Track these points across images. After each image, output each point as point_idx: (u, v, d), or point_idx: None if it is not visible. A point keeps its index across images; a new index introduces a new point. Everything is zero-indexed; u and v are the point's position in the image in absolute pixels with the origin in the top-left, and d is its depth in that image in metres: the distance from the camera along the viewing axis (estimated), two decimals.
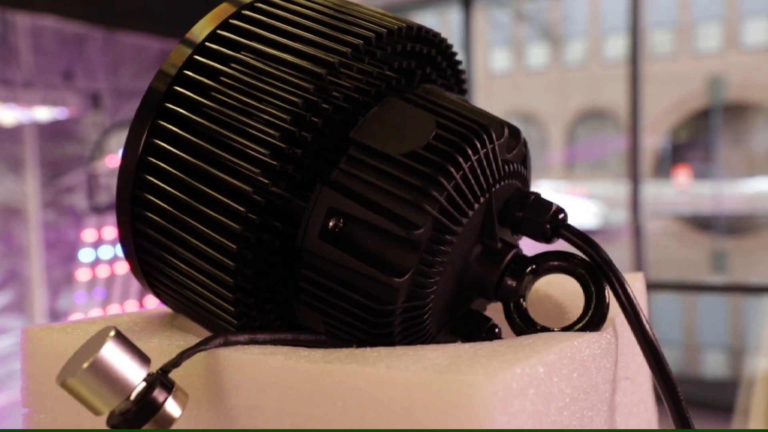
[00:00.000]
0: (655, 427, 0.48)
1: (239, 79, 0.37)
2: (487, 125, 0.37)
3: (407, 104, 0.38)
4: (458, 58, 0.44)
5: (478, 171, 0.36)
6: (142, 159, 0.38)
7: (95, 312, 2.95)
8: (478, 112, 0.39)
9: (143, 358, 0.30)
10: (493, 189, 0.37)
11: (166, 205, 0.37)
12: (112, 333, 0.29)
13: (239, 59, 0.38)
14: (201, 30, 0.39)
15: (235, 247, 0.35)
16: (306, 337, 0.36)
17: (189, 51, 0.38)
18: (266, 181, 0.35)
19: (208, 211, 0.36)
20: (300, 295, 0.37)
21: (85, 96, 3.08)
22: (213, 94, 0.37)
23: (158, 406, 0.29)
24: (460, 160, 0.35)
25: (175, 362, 0.31)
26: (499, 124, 0.38)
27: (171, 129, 0.37)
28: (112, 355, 0.29)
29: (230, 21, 0.39)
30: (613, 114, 14.24)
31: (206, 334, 0.42)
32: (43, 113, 2.93)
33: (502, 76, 14.97)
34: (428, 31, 0.41)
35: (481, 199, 0.37)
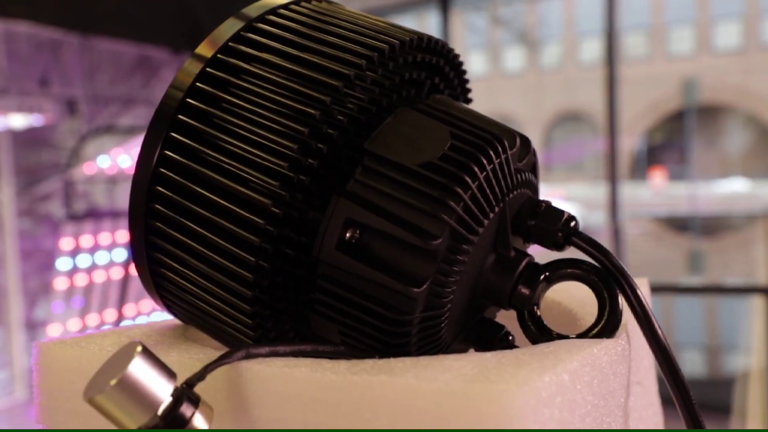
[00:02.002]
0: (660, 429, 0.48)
1: (254, 92, 0.37)
2: (500, 135, 0.37)
3: (421, 115, 0.38)
4: (464, 67, 0.45)
5: (493, 181, 0.37)
6: (156, 171, 0.38)
7: (73, 322, 2.92)
8: (489, 121, 0.39)
9: (169, 373, 0.30)
10: (507, 198, 0.38)
11: (180, 218, 0.37)
12: (139, 348, 0.29)
13: (253, 72, 0.38)
14: (213, 42, 0.39)
15: (253, 259, 0.35)
16: (325, 349, 0.36)
17: (202, 63, 0.38)
18: (284, 194, 0.35)
19: (224, 223, 0.36)
20: (316, 305, 0.37)
21: (61, 102, 3.05)
22: (227, 106, 0.37)
23: (186, 422, 0.29)
24: (476, 170, 0.36)
25: (200, 376, 0.31)
26: (511, 133, 0.39)
27: (185, 141, 0.37)
28: (140, 370, 0.29)
29: (242, 33, 0.39)
30: (589, 116, 14.40)
31: (220, 345, 0.42)
32: (19, 120, 2.90)
33: (479, 80, 15.05)
34: (437, 41, 0.41)
35: (496, 209, 0.37)
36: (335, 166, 0.37)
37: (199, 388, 0.32)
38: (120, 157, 3.27)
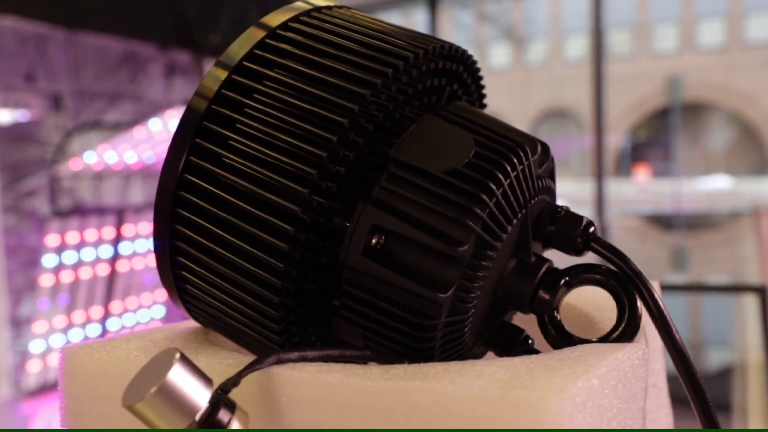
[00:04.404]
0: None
1: (280, 99, 0.37)
2: (522, 142, 0.38)
3: (444, 122, 0.39)
4: (481, 74, 0.45)
5: (516, 188, 0.37)
6: (182, 177, 0.38)
7: (59, 319, 2.90)
8: (510, 128, 0.40)
9: (206, 380, 0.30)
10: (529, 204, 0.38)
11: (206, 224, 0.38)
12: (178, 355, 0.29)
13: (278, 79, 0.38)
14: (238, 49, 0.39)
15: (282, 265, 0.36)
16: (352, 353, 0.37)
17: (227, 70, 0.39)
18: (313, 201, 0.36)
19: (252, 229, 0.36)
20: (341, 310, 0.38)
21: (46, 98, 3.02)
22: (253, 113, 0.38)
23: (223, 427, 0.30)
24: (501, 177, 0.36)
25: (235, 381, 0.32)
26: (532, 140, 0.40)
27: (211, 148, 0.38)
28: (179, 377, 0.29)
29: (266, 41, 0.40)
30: (575, 113, 14.48)
31: (241, 348, 0.42)
32: (4, 116, 2.87)
33: None
34: (457, 49, 0.42)
35: (519, 215, 0.38)
36: (359, 172, 0.38)
37: (231, 393, 0.32)
38: (106, 153, 3.24)
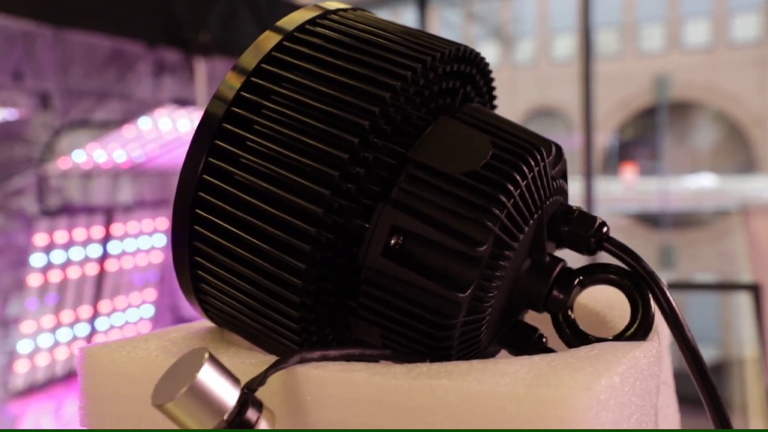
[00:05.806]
0: (678, 426, 0.50)
1: (300, 101, 0.38)
2: (538, 144, 0.39)
3: (461, 124, 0.39)
4: (493, 75, 0.46)
5: (533, 189, 0.38)
6: (202, 179, 0.38)
7: (47, 319, 2.88)
8: (525, 130, 0.40)
9: (234, 379, 0.31)
10: (544, 205, 0.39)
11: (226, 225, 0.38)
12: (207, 355, 0.30)
13: (298, 81, 0.38)
14: (256, 52, 0.40)
15: (303, 266, 0.36)
16: (372, 352, 0.37)
17: (245, 73, 0.39)
18: (334, 202, 0.36)
19: (272, 230, 0.37)
20: (359, 310, 0.38)
21: (34, 96, 3.00)
22: (273, 115, 0.38)
23: (252, 426, 0.30)
24: (518, 178, 0.37)
25: (261, 381, 0.32)
26: (547, 142, 0.40)
27: (231, 149, 0.38)
28: (208, 377, 0.29)
29: (284, 43, 0.40)
30: (562, 112, 14.54)
31: (256, 347, 0.42)
32: None
33: None
34: (471, 51, 0.42)
35: (535, 216, 0.38)
36: (376, 174, 0.38)
37: (255, 393, 0.32)
38: (95, 152, 3.22)
